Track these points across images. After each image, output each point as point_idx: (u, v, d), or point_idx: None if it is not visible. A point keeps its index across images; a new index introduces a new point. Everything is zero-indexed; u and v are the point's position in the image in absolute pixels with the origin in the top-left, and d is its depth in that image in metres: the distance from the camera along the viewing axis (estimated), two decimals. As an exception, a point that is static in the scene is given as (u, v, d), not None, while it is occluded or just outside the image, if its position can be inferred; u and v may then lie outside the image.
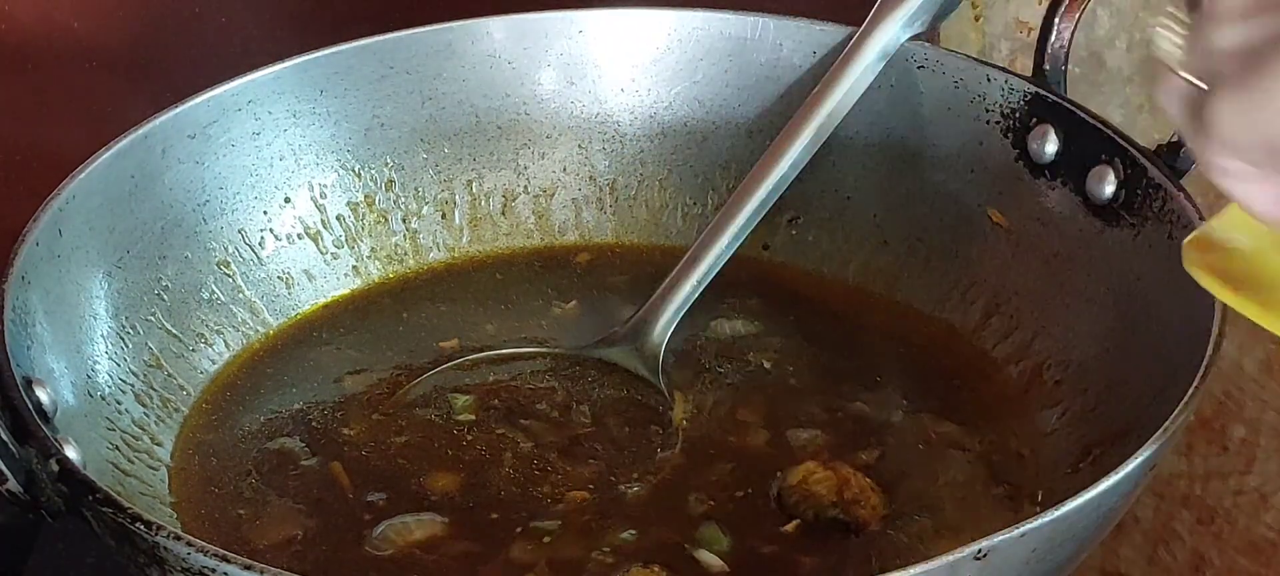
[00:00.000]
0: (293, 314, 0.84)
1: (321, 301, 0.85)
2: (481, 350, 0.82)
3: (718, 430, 0.76)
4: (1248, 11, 0.47)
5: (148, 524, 0.59)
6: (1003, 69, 0.84)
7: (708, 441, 0.75)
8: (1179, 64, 0.50)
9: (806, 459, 0.73)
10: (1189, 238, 0.57)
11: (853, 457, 0.74)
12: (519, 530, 0.70)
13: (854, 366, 0.80)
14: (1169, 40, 0.51)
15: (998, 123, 0.83)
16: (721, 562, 0.68)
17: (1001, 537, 0.58)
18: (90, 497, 0.61)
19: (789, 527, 0.70)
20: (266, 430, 0.77)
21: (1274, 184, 0.49)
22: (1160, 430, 0.62)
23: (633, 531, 0.70)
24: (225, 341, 0.82)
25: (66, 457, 0.62)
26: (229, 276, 0.83)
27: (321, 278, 0.86)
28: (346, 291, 0.86)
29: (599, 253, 0.90)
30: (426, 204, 0.89)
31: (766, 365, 0.80)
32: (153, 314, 0.79)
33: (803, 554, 0.69)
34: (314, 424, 0.77)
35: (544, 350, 0.81)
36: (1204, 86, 0.49)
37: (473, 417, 0.77)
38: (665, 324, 0.81)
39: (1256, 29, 0.47)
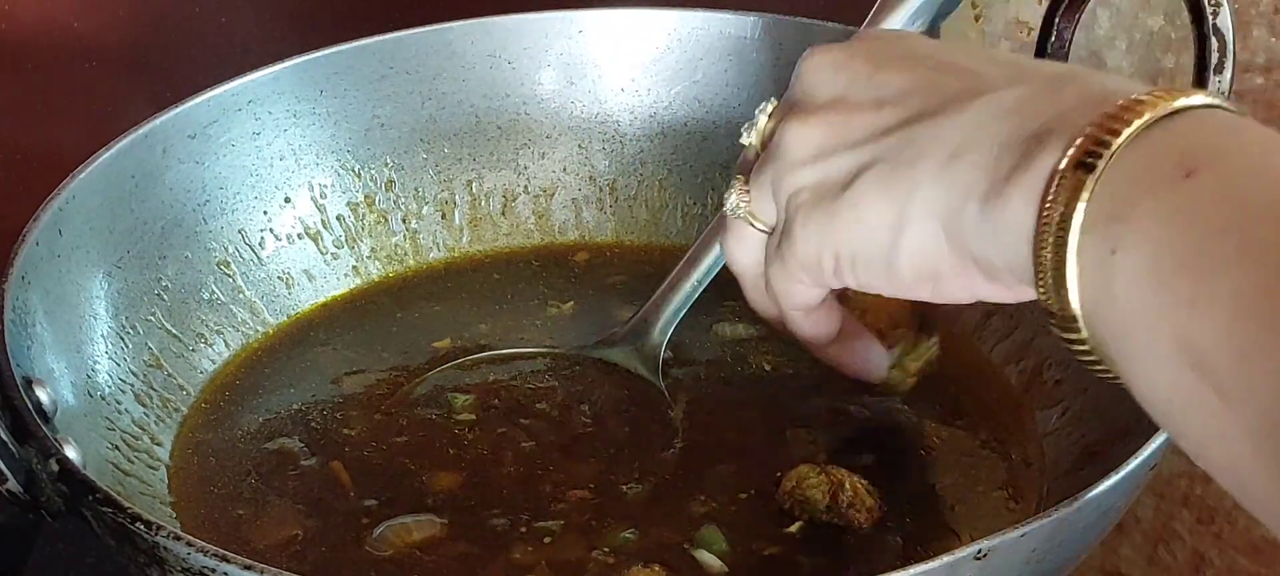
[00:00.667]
0: (291, 314, 0.84)
1: (319, 301, 0.85)
2: (475, 350, 0.82)
3: (718, 431, 0.76)
4: (812, 158, 0.61)
5: (148, 524, 0.59)
6: (1003, 69, 0.83)
7: (708, 442, 0.75)
8: (750, 215, 0.66)
9: (806, 460, 0.73)
10: None
11: (853, 460, 0.73)
12: (521, 530, 0.70)
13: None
14: (740, 201, 0.66)
15: (998, 123, 0.82)
16: (721, 564, 0.68)
17: (1001, 537, 0.58)
18: (90, 497, 0.60)
19: (792, 529, 0.70)
20: (265, 430, 0.77)
21: (816, 290, 0.66)
22: (1160, 430, 0.62)
23: (633, 531, 0.70)
24: (225, 341, 0.82)
25: (66, 457, 0.62)
26: (229, 276, 0.83)
27: (321, 278, 0.86)
28: (344, 291, 0.86)
29: (598, 252, 0.90)
30: (426, 204, 0.89)
31: (767, 366, 0.80)
32: (153, 314, 0.79)
33: (803, 555, 0.69)
34: (313, 424, 0.77)
35: (544, 350, 0.81)
36: (774, 227, 0.65)
37: (473, 417, 0.77)
38: (665, 324, 0.80)
39: (819, 170, 0.61)
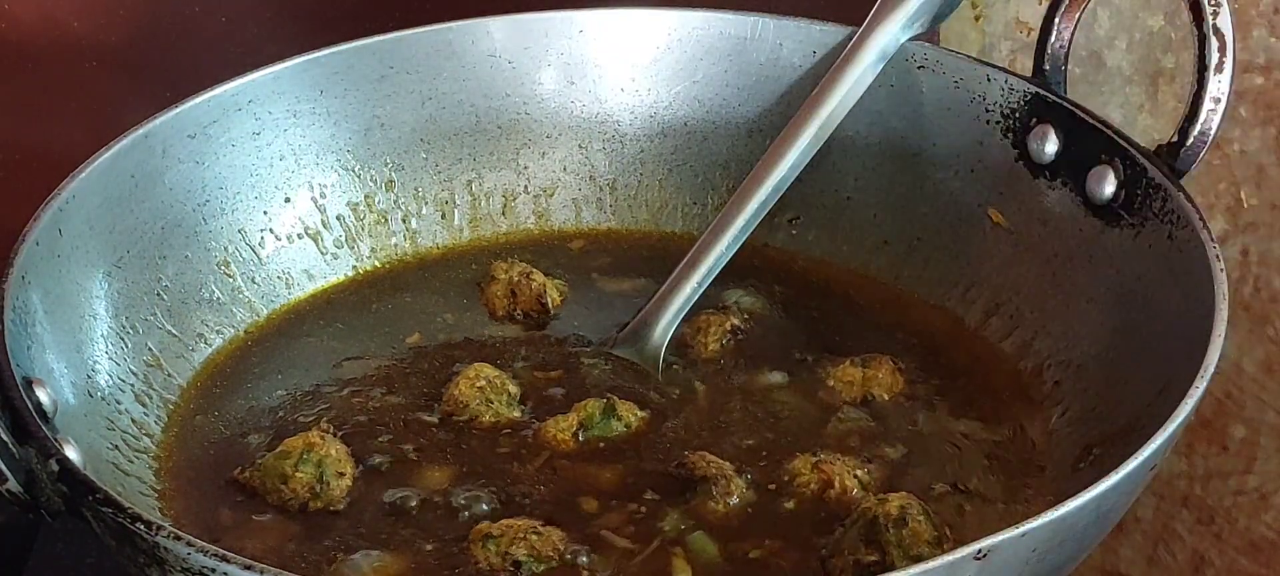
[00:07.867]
0: (275, 306, 0.84)
1: (300, 296, 0.85)
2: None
3: (721, 431, 0.76)
4: None
5: (148, 524, 0.59)
6: (1003, 69, 0.84)
7: (711, 444, 0.75)
8: None
9: (807, 452, 0.73)
10: None
11: (878, 448, 0.73)
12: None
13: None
14: None
15: (998, 123, 0.83)
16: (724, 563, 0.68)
17: (1001, 537, 0.58)
18: (90, 497, 0.61)
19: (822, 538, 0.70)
20: (248, 422, 0.77)
21: None
22: (1160, 430, 0.62)
23: (638, 530, 0.70)
24: (225, 341, 0.82)
25: (66, 457, 0.62)
26: (229, 276, 0.83)
27: (321, 277, 0.86)
28: (330, 283, 0.86)
29: (594, 240, 0.90)
30: (426, 204, 0.89)
31: (766, 357, 0.80)
32: (153, 314, 0.79)
33: (797, 552, 0.69)
34: (288, 419, 0.77)
35: (545, 349, 0.81)
36: None
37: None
38: (666, 324, 0.80)
39: None
